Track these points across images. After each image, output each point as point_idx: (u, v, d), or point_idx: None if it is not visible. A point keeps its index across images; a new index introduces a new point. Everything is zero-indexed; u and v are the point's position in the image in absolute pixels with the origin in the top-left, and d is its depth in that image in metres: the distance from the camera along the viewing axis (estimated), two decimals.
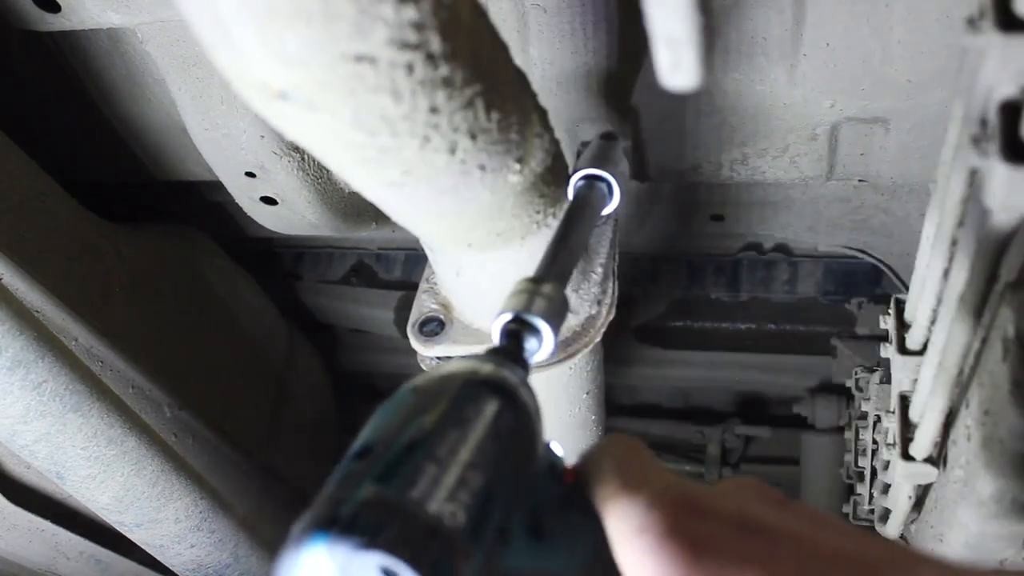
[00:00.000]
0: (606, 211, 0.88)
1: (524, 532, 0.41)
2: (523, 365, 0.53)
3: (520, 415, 0.46)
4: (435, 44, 0.41)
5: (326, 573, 0.35)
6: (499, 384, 0.46)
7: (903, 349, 0.90)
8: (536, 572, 0.40)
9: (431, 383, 0.45)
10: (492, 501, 0.40)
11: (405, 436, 0.40)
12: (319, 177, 1.19)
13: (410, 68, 0.41)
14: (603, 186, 0.87)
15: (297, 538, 0.36)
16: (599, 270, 0.93)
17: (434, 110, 0.44)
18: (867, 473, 1.19)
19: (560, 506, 0.44)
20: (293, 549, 0.36)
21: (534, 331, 0.58)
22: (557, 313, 0.60)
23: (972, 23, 0.61)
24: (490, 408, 0.44)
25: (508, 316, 0.58)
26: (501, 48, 0.51)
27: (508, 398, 0.46)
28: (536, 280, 0.63)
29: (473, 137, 0.51)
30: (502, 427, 0.44)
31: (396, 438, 0.40)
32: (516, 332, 0.58)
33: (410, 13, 0.39)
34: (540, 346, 0.58)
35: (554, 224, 0.78)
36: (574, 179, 0.86)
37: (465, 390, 0.44)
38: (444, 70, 0.43)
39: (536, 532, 0.41)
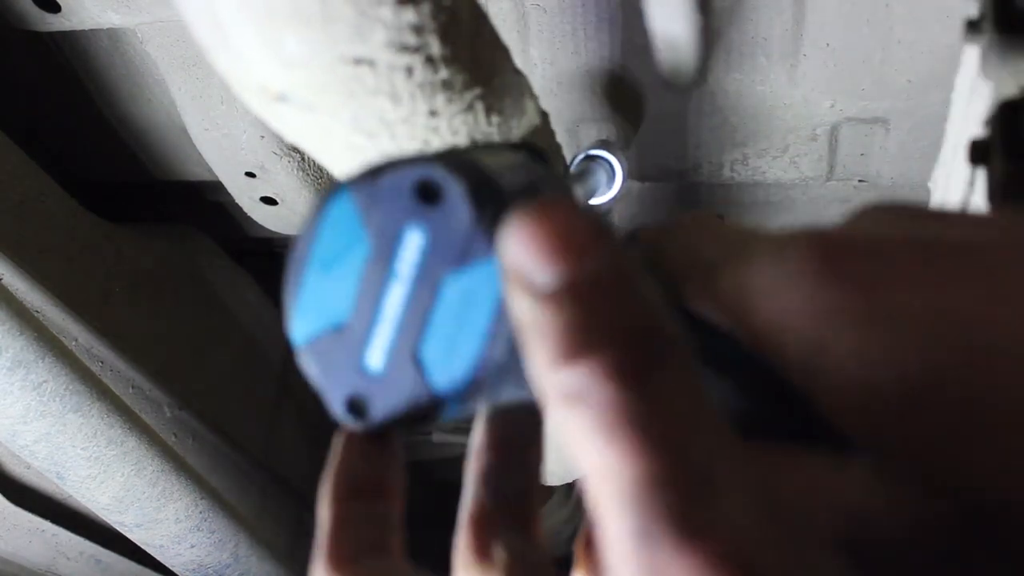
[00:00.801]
0: (608, 194, 0.87)
1: None
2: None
3: (554, 172, 0.39)
4: (435, 47, 0.41)
5: (350, 226, 0.30)
6: (528, 146, 0.41)
7: None
8: None
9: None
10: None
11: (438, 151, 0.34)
12: (319, 177, 1.19)
13: (409, 71, 0.41)
14: (603, 169, 0.86)
15: (315, 206, 0.31)
16: None
17: (433, 113, 0.44)
18: None
19: None
20: (311, 216, 0.30)
21: (607, 165, 0.56)
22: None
23: (972, 23, 0.61)
24: (522, 152, 0.37)
25: (584, 154, 0.57)
26: (501, 51, 0.51)
27: (540, 157, 0.39)
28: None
29: (473, 141, 0.51)
30: (538, 167, 0.36)
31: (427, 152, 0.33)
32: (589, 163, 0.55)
33: (409, 16, 0.39)
34: (614, 179, 0.57)
35: None
36: (576, 161, 0.85)
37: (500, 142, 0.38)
38: (444, 73, 0.43)
39: None
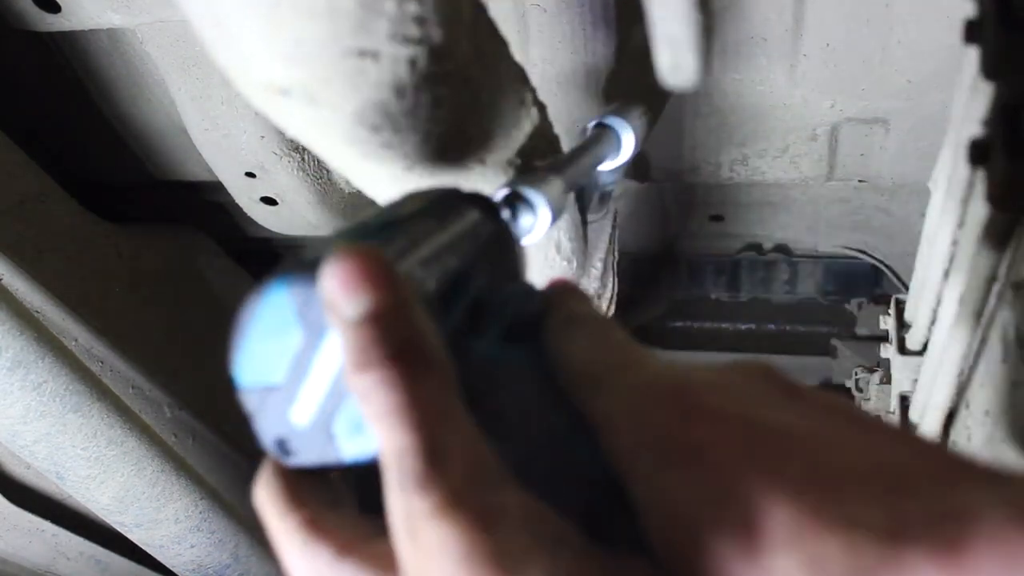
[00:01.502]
0: (621, 158, 0.85)
1: (498, 331, 0.39)
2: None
3: (501, 229, 0.45)
4: (437, 38, 0.41)
5: (287, 314, 0.35)
6: (480, 199, 0.46)
7: (903, 349, 0.90)
8: (503, 368, 0.37)
9: (412, 192, 0.44)
10: (463, 286, 0.39)
11: (382, 218, 0.40)
12: (319, 177, 1.19)
13: (412, 63, 0.41)
14: (615, 136, 0.84)
15: (260, 287, 0.35)
16: (598, 264, 0.93)
17: (437, 104, 0.45)
18: None
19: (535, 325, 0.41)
20: (255, 296, 0.35)
21: (529, 207, 0.57)
22: (555, 200, 0.59)
23: (972, 24, 0.61)
24: (470, 214, 0.43)
25: (506, 190, 0.58)
26: (501, 43, 0.51)
27: (489, 212, 0.45)
28: (542, 168, 0.62)
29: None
30: (481, 232, 0.43)
31: (373, 220, 0.40)
32: (511, 203, 0.57)
33: (412, 7, 0.39)
34: (535, 223, 0.57)
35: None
36: (590, 126, 0.84)
37: (446, 196, 0.44)
38: (446, 64, 0.43)
39: (510, 337, 0.39)
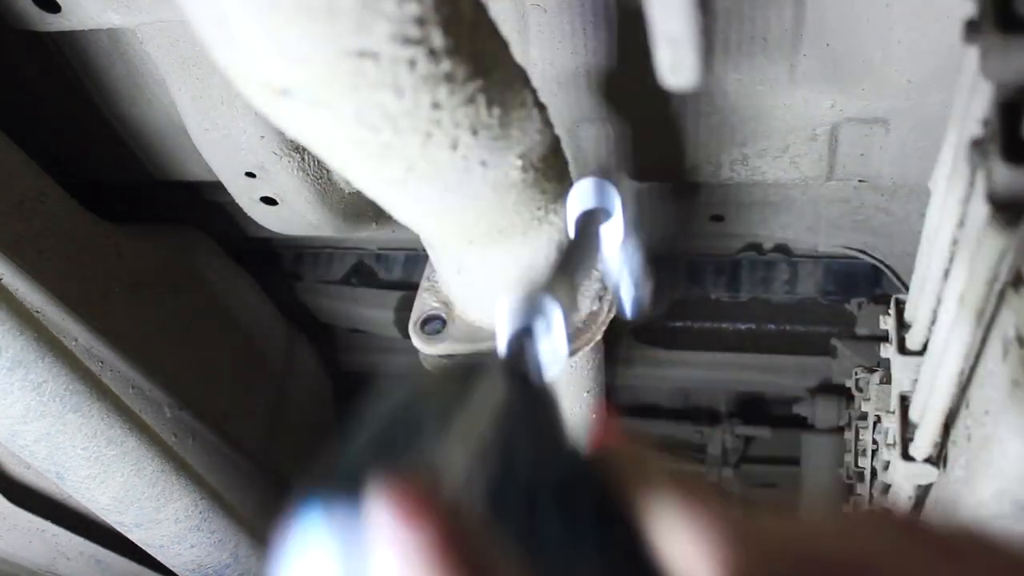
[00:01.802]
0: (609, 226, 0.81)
1: (560, 515, 0.35)
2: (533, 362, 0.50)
3: (530, 390, 0.42)
4: (437, 39, 0.41)
5: (328, 540, 0.31)
6: (500, 361, 0.43)
7: (903, 349, 0.90)
8: (566, 545, 0.34)
9: (430, 376, 0.41)
10: (512, 475, 0.35)
11: (411, 416, 0.36)
12: (319, 177, 1.19)
13: (412, 64, 0.41)
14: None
15: (292, 513, 0.32)
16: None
17: (436, 106, 0.45)
18: (867, 473, 1.19)
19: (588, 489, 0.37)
20: (290, 524, 0.32)
21: (547, 332, 0.54)
22: (568, 307, 0.57)
23: (972, 24, 0.61)
24: (495, 384, 0.39)
25: (519, 324, 0.55)
26: (502, 44, 0.51)
27: (513, 373, 0.42)
28: (546, 283, 0.60)
29: (475, 133, 0.51)
30: (512, 404, 0.39)
31: (401, 420, 0.36)
32: (528, 334, 0.54)
33: (412, 8, 0.39)
34: (554, 349, 0.54)
35: (555, 220, 0.78)
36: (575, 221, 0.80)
37: (465, 372, 0.40)
38: (446, 66, 0.43)
39: (564, 507, 0.36)
